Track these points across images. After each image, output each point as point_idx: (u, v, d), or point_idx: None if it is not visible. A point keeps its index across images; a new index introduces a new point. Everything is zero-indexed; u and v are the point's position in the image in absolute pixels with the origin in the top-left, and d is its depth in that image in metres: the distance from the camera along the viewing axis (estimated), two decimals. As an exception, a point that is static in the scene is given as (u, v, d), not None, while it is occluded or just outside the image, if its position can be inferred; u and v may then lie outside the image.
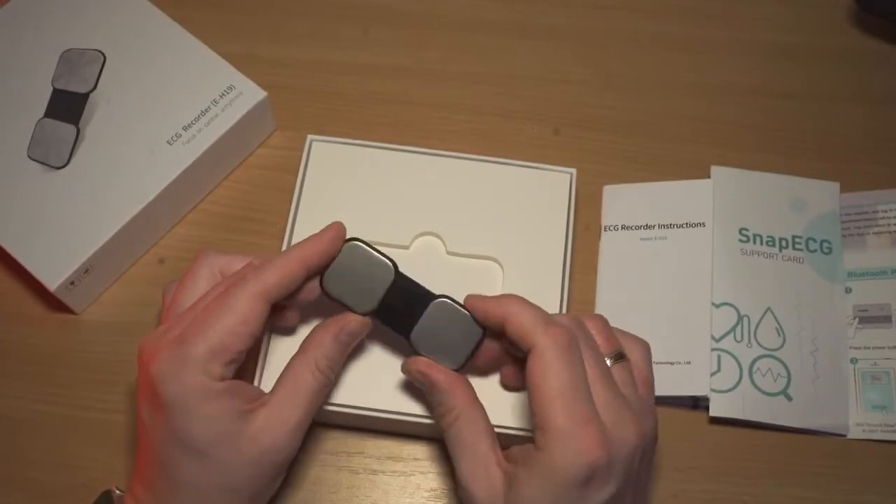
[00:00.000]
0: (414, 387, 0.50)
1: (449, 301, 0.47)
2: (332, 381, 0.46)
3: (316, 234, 0.47)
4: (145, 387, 0.44)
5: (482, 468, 0.43)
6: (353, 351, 0.48)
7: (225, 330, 0.43)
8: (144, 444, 0.45)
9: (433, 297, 0.47)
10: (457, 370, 0.47)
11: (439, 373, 0.46)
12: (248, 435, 0.43)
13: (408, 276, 0.48)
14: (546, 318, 0.43)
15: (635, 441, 0.42)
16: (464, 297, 0.48)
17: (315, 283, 0.47)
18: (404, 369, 0.48)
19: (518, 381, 0.49)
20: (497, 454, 0.44)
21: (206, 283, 0.47)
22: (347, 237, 0.48)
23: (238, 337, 0.43)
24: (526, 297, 0.46)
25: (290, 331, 0.51)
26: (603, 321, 0.46)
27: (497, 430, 0.46)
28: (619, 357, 0.45)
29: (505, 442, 0.45)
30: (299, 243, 0.47)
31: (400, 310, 0.47)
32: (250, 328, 0.44)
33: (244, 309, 0.43)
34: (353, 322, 0.46)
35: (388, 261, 0.47)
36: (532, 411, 0.42)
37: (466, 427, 0.44)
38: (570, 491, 0.40)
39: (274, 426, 0.43)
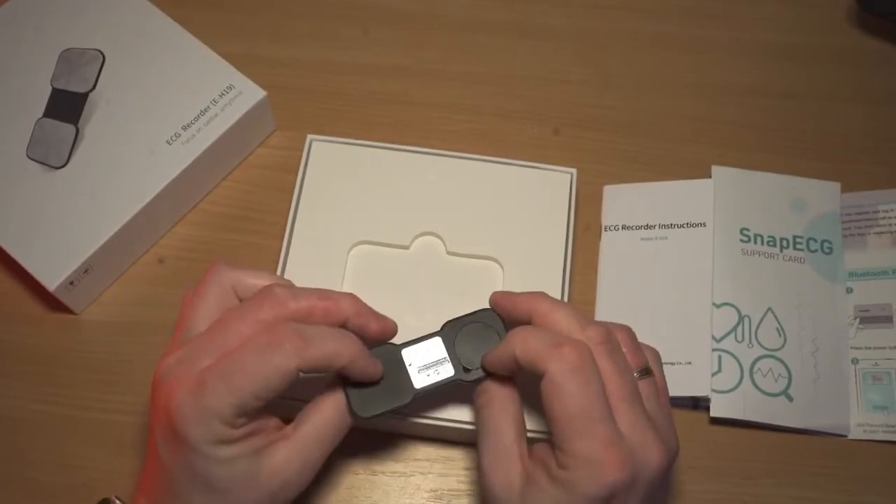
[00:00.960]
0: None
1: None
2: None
3: (370, 356, 0.44)
4: (163, 418, 0.42)
5: (504, 458, 0.43)
6: None
7: (251, 393, 0.41)
8: (156, 466, 0.43)
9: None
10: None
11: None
12: (266, 472, 0.42)
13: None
14: (554, 338, 0.42)
15: (659, 462, 0.41)
16: (464, 298, 0.47)
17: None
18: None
19: None
20: (521, 448, 0.43)
21: (217, 302, 0.45)
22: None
23: (263, 401, 0.42)
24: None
25: None
26: (630, 333, 0.45)
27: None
28: (646, 372, 0.44)
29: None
30: (358, 347, 0.43)
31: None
32: (276, 393, 0.42)
33: (275, 380, 0.41)
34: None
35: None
36: (551, 431, 0.41)
37: (496, 413, 0.44)
38: None
39: (293, 463, 0.43)
